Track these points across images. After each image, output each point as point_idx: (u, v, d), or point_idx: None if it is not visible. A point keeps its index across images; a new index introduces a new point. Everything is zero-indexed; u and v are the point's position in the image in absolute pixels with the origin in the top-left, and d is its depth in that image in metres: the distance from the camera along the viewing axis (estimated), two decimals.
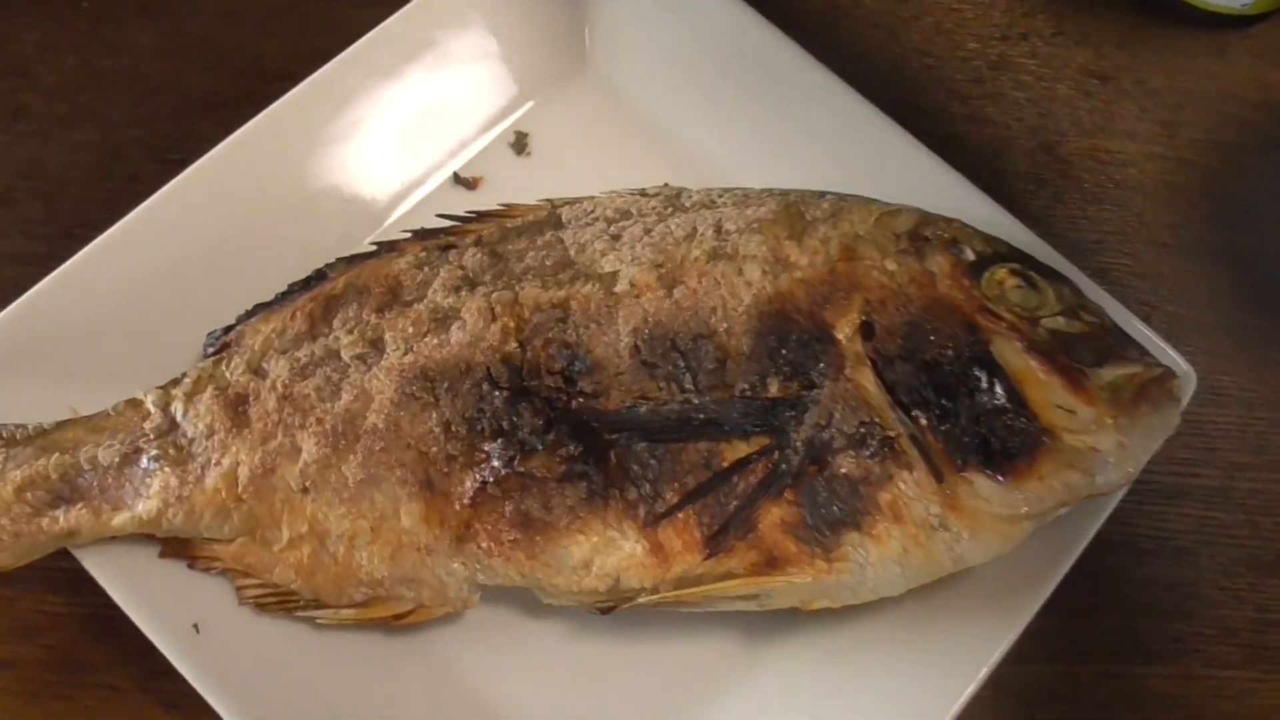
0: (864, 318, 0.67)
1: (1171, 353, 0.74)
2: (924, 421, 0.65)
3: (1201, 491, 0.84)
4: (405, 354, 0.69)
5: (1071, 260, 0.76)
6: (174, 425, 0.69)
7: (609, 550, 0.66)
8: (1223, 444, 0.86)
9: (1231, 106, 0.97)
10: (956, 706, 0.67)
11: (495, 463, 0.66)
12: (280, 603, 0.68)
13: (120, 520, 0.67)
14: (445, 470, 0.67)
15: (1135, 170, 0.94)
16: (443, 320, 0.70)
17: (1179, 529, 0.83)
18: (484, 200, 0.78)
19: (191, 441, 0.69)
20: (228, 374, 0.70)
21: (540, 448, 0.66)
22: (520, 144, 0.87)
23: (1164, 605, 0.80)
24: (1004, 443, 0.64)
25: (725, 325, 0.67)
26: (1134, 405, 0.64)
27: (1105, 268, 0.90)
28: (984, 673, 0.68)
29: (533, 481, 0.66)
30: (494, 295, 0.70)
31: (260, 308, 0.74)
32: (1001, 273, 0.69)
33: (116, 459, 0.68)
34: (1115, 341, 0.68)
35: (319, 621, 0.69)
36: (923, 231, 0.71)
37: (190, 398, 0.70)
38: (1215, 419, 0.86)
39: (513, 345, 0.68)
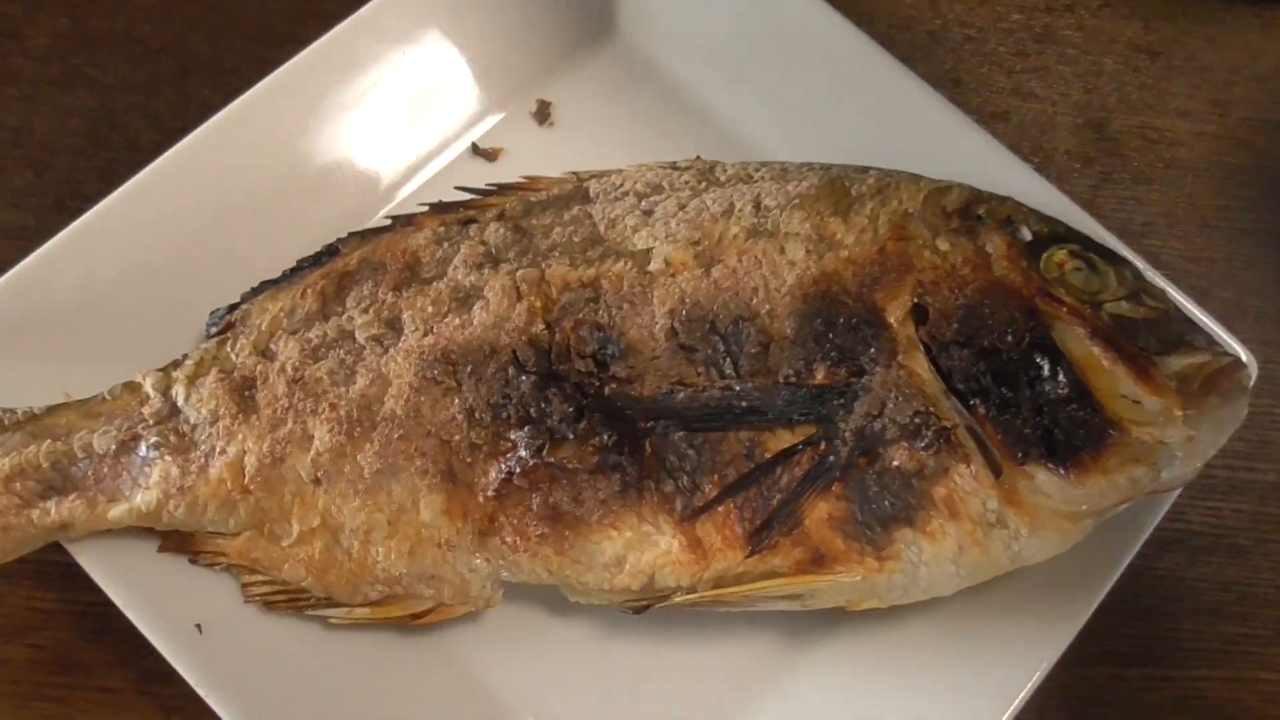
0: (916, 300, 0.65)
1: (1231, 340, 0.72)
2: (982, 411, 0.62)
3: (1257, 487, 0.82)
4: (425, 335, 0.66)
5: (1122, 241, 0.74)
6: (175, 410, 0.66)
7: (643, 546, 0.64)
8: (1278, 437, 0.83)
9: None
10: (1009, 714, 0.65)
11: (522, 452, 0.64)
12: (289, 601, 0.66)
13: (117, 512, 0.65)
14: (468, 460, 0.64)
15: (1186, 149, 0.92)
16: (464, 299, 0.67)
17: (1235, 525, 0.81)
18: (504, 173, 0.76)
19: (194, 428, 0.66)
20: (233, 356, 0.68)
21: (571, 436, 0.64)
22: (543, 113, 0.84)
23: (1218, 606, 0.79)
24: (1067, 435, 0.62)
25: (767, 307, 0.65)
26: (1203, 396, 0.62)
27: (1155, 251, 0.88)
28: (1038, 677, 0.66)
29: (562, 473, 0.64)
30: (519, 273, 0.67)
31: (267, 285, 0.72)
32: (1061, 254, 0.67)
33: (113, 446, 0.66)
34: (1181, 328, 0.66)
35: (331, 621, 0.66)
36: (975, 209, 0.69)
37: (193, 381, 0.67)
38: (1272, 410, 0.84)
39: (540, 327, 0.66)
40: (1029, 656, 0.66)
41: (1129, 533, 0.69)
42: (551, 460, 0.63)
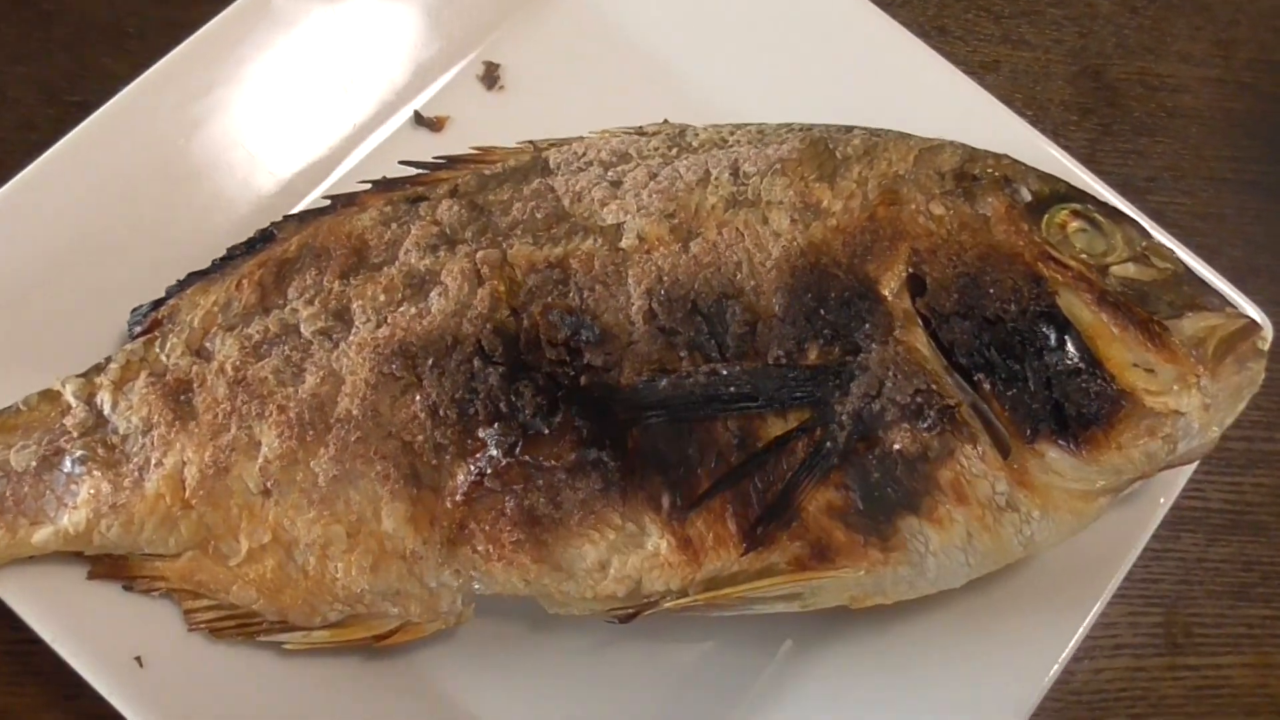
0: (912, 270, 0.69)
1: (1244, 300, 0.77)
2: (987, 387, 0.67)
3: (1277, 458, 0.87)
4: (378, 327, 0.69)
5: (1124, 199, 0.79)
6: (101, 420, 0.68)
7: (629, 548, 0.66)
8: None
9: None
10: (1025, 714, 0.70)
11: (493, 451, 0.66)
12: (239, 627, 0.68)
13: (41, 537, 0.67)
14: (434, 462, 0.67)
15: (1190, 96, 0.97)
16: (420, 286, 0.70)
17: (1255, 501, 0.86)
18: (452, 143, 0.78)
19: (125, 439, 0.68)
20: (163, 357, 0.70)
21: (546, 431, 0.66)
22: (490, 76, 0.86)
23: (1240, 587, 0.84)
24: (1078, 408, 0.66)
25: (753, 283, 0.69)
26: (1218, 361, 0.67)
27: (1160, 208, 0.93)
28: (1054, 671, 0.70)
29: (537, 472, 0.66)
30: (479, 255, 0.70)
31: (196, 276, 0.73)
32: (1063, 214, 0.71)
33: (33, 463, 0.67)
34: (1192, 289, 0.70)
35: (286, 647, 0.68)
36: (970, 169, 0.73)
37: (119, 386, 0.69)
38: None
39: (505, 313, 0.68)
40: (1043, 652, 0.71)
41: (1143, 513, 0.74)
42: (525, 459, 0.66)
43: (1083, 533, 0.69)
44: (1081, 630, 0.71)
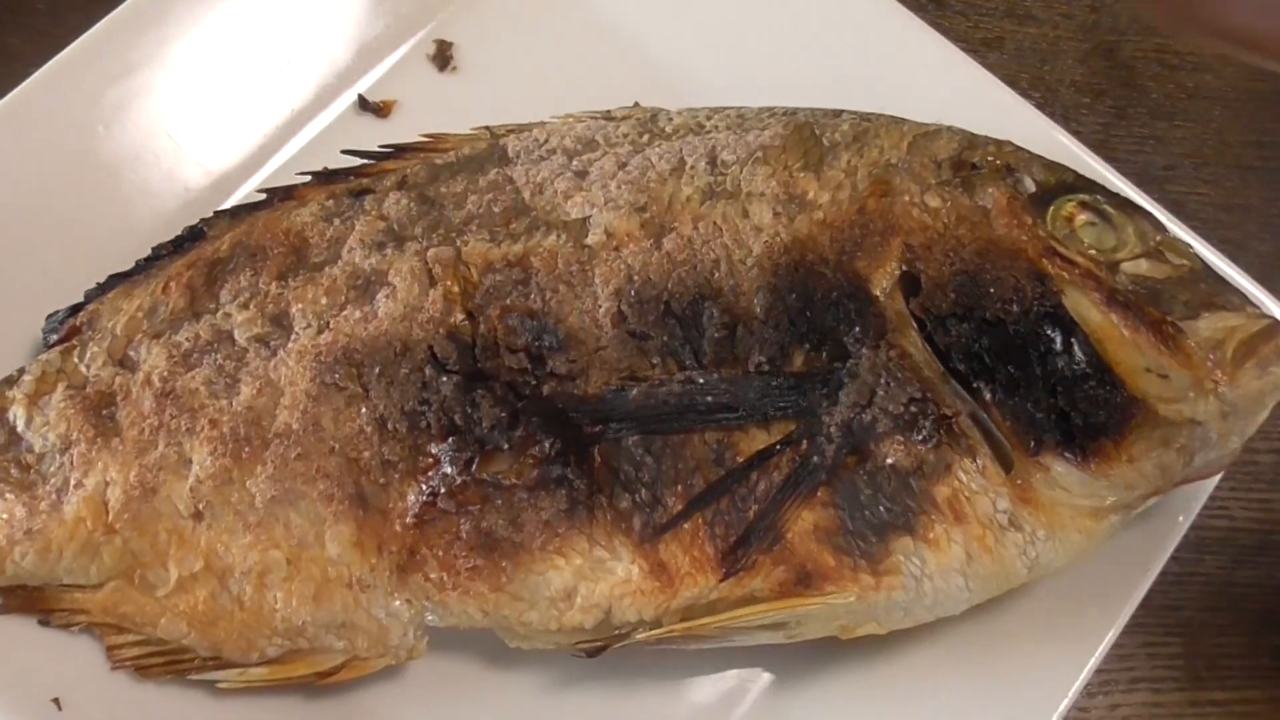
0: (905, 268, 0.71)
1: (1269, 299, 0.79)
2: (987, 395, 0.69)
3: None
4: (320, 332, 0.70)
5: (1139, 190, 0.81)
6: (15, 438, 0.70)
7: (597, 574, 0.68)
8: None
9: None
10: None
11: (447, 468, 0.68)
12: (168, 664, 0.69)
13: None
14: (381, 481, 0.68)
15: (1212, 76, 0.99)
16: (365, 287, 0.71)
17: None
18: (401, 130, 0.80)
19: (40, 458, 0.69)
20: (83, 368, 0.71)
21: (505, 447, 0.68)
22: (442, 56, 0.88)
23: (1269, 615, 0.86)
24: (1086, 418, 0.68)
25: (732, 283, 0.70)
26: (1238, 365, 0.69)
27: (1180, 199, 0.95)
28: (1064, 707, 0.72)
29: (496, 491, 0.68)
30: (430, 252, 0.72)
31: (117, 279, 0.75)
32: (1070, 206, 0.73)
33: None
34: (1211, 287, 0.72)
35: (220, 685, 0.69)
36: (968, 157, 0.75)
37: (34, 400, 0.70)
38: None
39: (460, 317, 0.70)
40: (1051, 686, 0.73)
41: (1161, 533, 0.76)
42: (483, 477, 0.68)
43: (1094, 554, 0.71)
44: (1093, 662, 0.73)
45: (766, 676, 0.75)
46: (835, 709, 0.74)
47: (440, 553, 0.68)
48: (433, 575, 0.68)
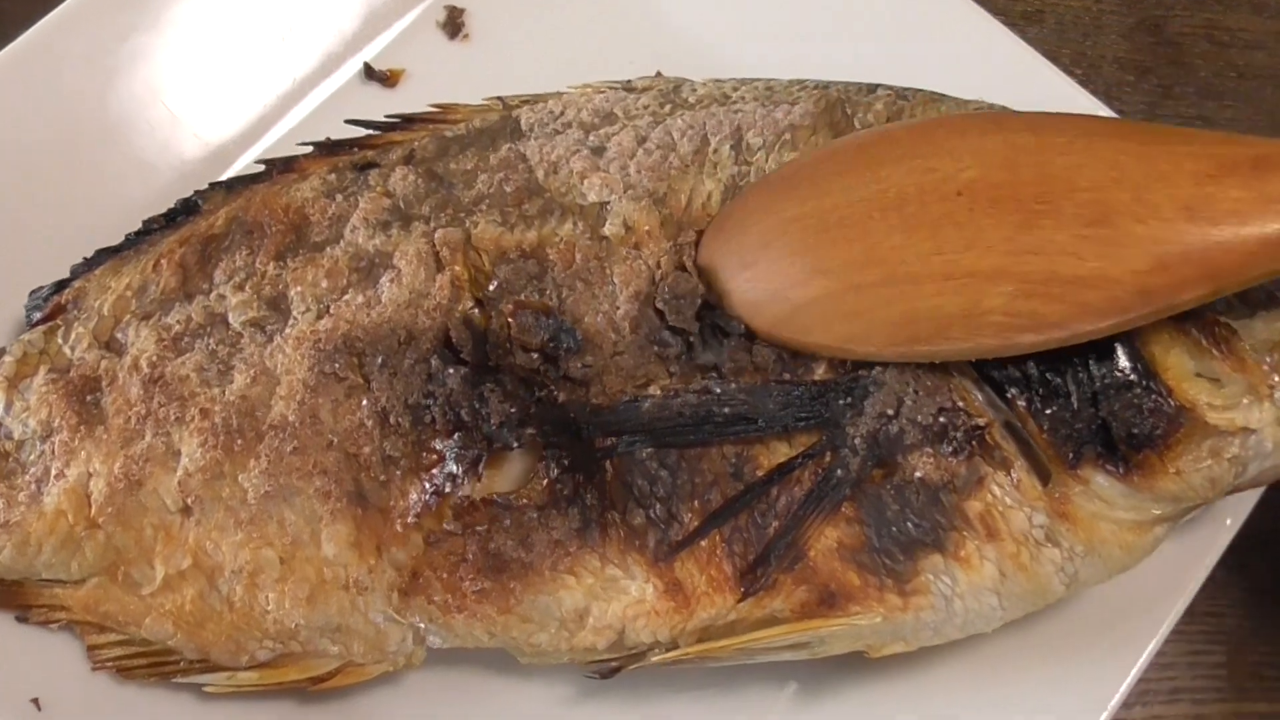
0: None
1: None
2: (1023, 404, 0.66)
3: None
4: (319, 318, 0.68)
5: None
6: None
7: (610, 594, 0.66)
8: None
9: None
10: None
11: (452, 466, 0.66)
12: (153, 666, 0.68)
13: None
14: (382, 478, 0.66)
15: (1264, 54, 0.97)
16: (368, 270, 0.69)
17: None
18: (408, 101, 0.78)
19: (20, 445, 0.68)
20: (66, 349, 0.69)
21: (515, 445, 0.66)
22: (453, 23, 0.86)
23: None
24: (1129, 427, 0.65)
25: None
26: None
27: None
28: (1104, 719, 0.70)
29: (505, 511, 0.66)
30: (437, 233, 0.69)
31: (106, 254, 0.73)
32: None
33: None
34: (1271, 283, 0.68)
35: (207, 689, 0.68)
36: None
37: (14, 384, 0.69)
38: None
39: (469, 304, 0.68)
40: (1088, 699, 0.71)
41: (1206, 537, 0.73)
42: (491, 497, 0.65)
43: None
44: (1134, 673, 0.71)
45: (793, 685, 0.74)
46: None
47: (445, 575, 0.66)
48: (437, 599, 0.66)
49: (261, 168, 0.74)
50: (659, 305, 0.67)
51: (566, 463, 0.66)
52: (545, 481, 0.65)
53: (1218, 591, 0.82)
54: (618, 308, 0.67)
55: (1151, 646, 0.72)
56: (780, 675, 0.73)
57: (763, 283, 0.65)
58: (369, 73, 0.85)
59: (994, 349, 0.63)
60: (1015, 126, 0.63)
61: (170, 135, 0.80)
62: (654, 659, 0.66)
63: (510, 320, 0.67)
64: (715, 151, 0.71)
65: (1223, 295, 0.61)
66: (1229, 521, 0.74)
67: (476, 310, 0.68)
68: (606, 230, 0.69)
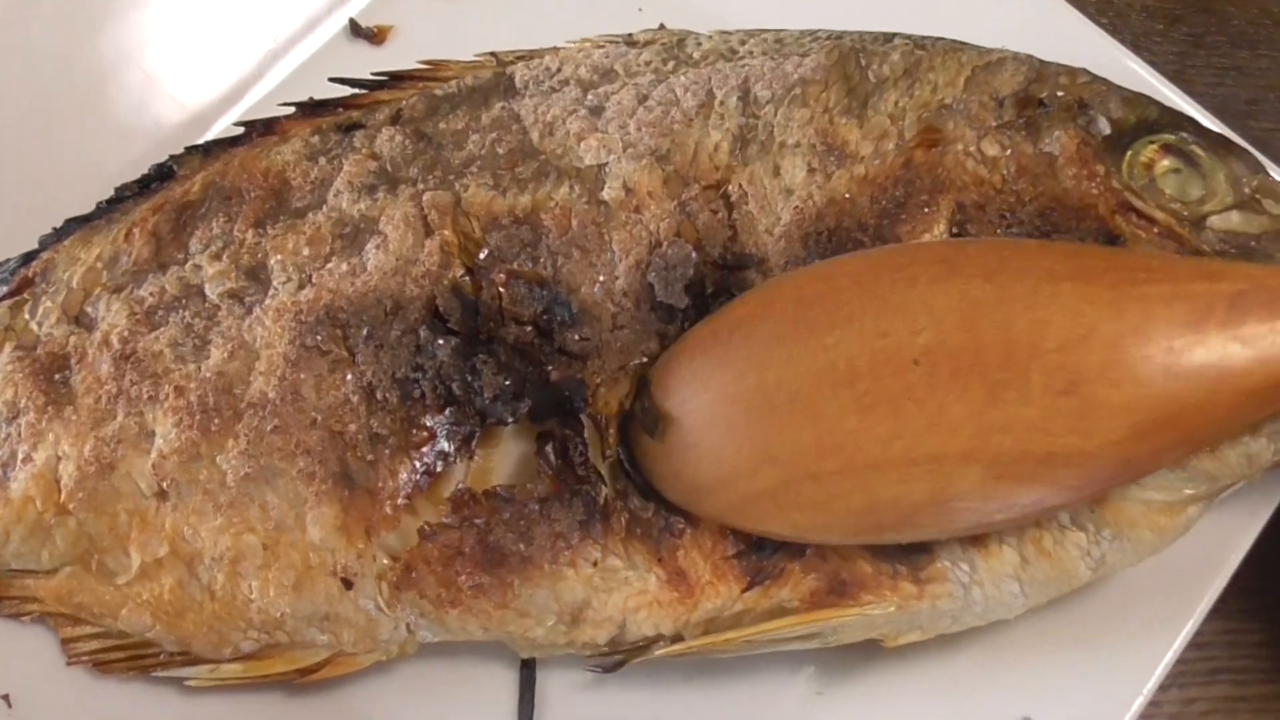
0: (955, 230, 0.66)
1: None
2: None
3: None
4: (301, 288, 0.66)
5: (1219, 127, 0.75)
6: None
7: (610, 585, 0.64)
8: None
9: None
10: None
11: (443, 444, 0.64)
12: (130, 659, 0.66)
13: None
14: (369, 457, 0.64)
15: None
16: (353, 236, 0.67)
17: None
18: (396, 60, 0.76)
19: None
20: (34, 325, 0.68)
21: (510, 420, 0.64)
22: None
23: None
24: None
25: (757, 257, 0.66)
26: None
27: (1266, 136, 0.90)
28: (1139, 703, 0.68)
29: (505, 504, 0.64)
30: (426, 197, 0.67)
31: (76, 224, 0.71)
32: (1150, 150, 0.67)
33: None
34: None
35: (189, 683, 0.67)
36: (1036, 92, 0.69)
37: None
38: None
39: (459, 271, 0.66)
40: (1123, 680, 0.68)
41: (1250, 507, 0.71)
42: (492, 490, 0.64)
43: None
44: (1171, 654, 0.69)
45: (809, 668, 0.72)
46: (880, 705, 0.70)
47: (439, 569, 0.64)
48: (430, 593, 0.64)
49: (240, 130, 0.73)
50: (649, 278, 0.65)
51: (566, 449, 0.64)
52: (548, 472, 0.64)
53: (1257, 565, 0.78)
54: (616, 278, 0.66)
55: (1190, 625, 0.69)
56: (796, 658, 0.71)
57: (709, 470, 0.62)
58: (355, 29, 0.84)
59: (966, 530, 0.62)
60: (970, 272, 0.58)
61: (146, 98, 0.79)
62: (658, 652, 0.65)
63: (502, 290, 0.65)
64: (721, 104, 0.69)
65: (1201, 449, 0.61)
66: (1270, 496, 0.71)
67: (467, 279, 0.66)
68: (605, 194, 0.67)
